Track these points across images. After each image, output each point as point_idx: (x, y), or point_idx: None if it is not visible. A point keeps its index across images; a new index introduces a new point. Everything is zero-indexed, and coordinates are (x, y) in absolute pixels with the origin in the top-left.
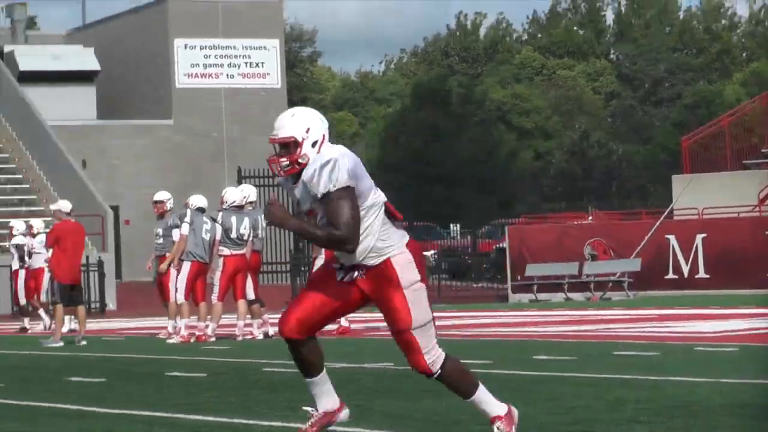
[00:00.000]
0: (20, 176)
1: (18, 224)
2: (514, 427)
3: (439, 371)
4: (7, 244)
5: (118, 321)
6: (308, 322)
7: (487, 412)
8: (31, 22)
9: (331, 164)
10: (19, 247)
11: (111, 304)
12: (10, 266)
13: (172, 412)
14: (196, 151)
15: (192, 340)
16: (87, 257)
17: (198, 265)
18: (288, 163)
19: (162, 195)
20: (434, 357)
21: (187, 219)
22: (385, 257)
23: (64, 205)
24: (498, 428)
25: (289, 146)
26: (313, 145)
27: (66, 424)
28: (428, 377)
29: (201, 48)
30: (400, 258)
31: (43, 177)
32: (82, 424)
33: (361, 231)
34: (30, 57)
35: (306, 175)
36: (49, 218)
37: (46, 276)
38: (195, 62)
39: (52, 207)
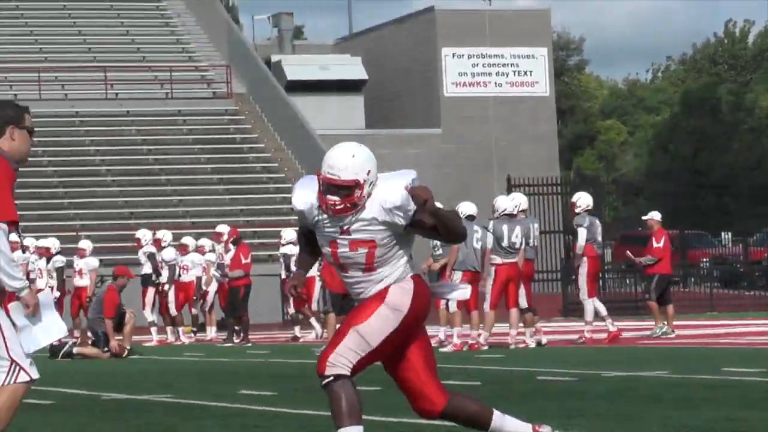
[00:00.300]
0: (289, 185)
1: (287, 233)
2: None
3: (330, 378)
4: (277, 252)
5: None
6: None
7: None
8: (298, 32)
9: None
10: (286, 257)
11: None
12: (280, 274)
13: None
14: (464, 159)
15: (465, 349)
16: None
17: (470, 274)
18: (343, 205)
19: None
20: (336, 363)
21: None
22: (389, 282)
23: None
24: None
25: (350, 188)
26: (370, 185)
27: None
28: (318, 375)
29: (469, 57)
30: (402, 284)
31: None
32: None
33: (393, 259)
34: (298, 67)
35: (375, 212)
36: None
37: (317, 285)
38: (463, 71)
39: None
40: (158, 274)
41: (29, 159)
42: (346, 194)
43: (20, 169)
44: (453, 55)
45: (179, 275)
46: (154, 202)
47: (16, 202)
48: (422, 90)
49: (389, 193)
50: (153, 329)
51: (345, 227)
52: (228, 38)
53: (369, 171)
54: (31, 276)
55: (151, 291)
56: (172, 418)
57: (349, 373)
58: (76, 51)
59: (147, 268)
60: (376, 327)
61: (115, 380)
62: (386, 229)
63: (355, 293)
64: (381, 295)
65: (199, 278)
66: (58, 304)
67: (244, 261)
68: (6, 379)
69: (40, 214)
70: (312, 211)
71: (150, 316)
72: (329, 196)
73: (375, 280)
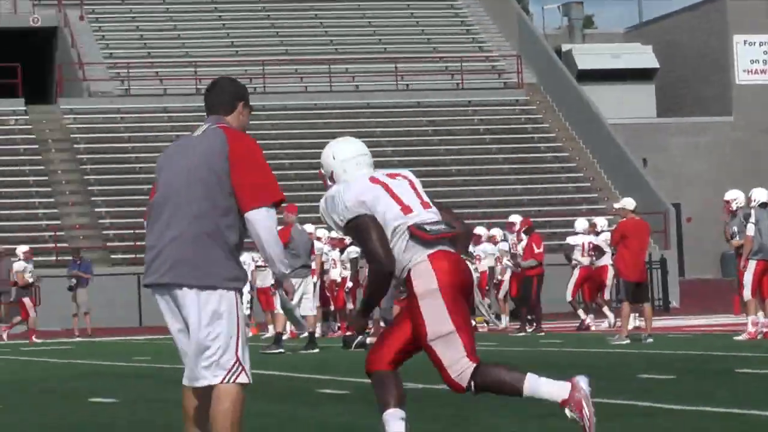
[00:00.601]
0: (581, 175)
1: (579, 224)
2: (584, 399)
3: (472, 384)
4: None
5: (681, 318)
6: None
7: (551, 399)
8: (588, 21)
9: (332, 198)
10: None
11: (674, 302)
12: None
13: (746, 409)
14: (756, 147)
15: (759, 337)
16: (650, 255)
17: (763, 263)
18: None
19: (731, 194)
20: (460, 371)
21: (752, 219)
22: (406, 271)
23: (629, 202)
24: (568, 413)
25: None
26: (330, 179)
27: (633, 420)
28: (462, 392)
29: (760, 44)
30: (417, 268)
31: (603, 175)
32: (651, 421)
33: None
34: (588, 56)
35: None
36: (612, 216)
37: (610, 273)
38: (755, 58)
39: (616, 205)
40: None
41: (320, 150)
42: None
43: (309, 161)
44: (744, 43)
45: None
46: (445, 192)
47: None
48: (713, 78)
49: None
50: None
51: None
52: (518, 28)
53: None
54: (325, 267)
55: None
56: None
57: (472, 364)
58: (367, 43)
59: None
60: (437, 318)
61: (408, 369)
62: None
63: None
64: (409, 290)
65: (491, 268)
66: (351, 294)
67: (536, 250)
68: (226, 377)
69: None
70: None
71: None
72: None
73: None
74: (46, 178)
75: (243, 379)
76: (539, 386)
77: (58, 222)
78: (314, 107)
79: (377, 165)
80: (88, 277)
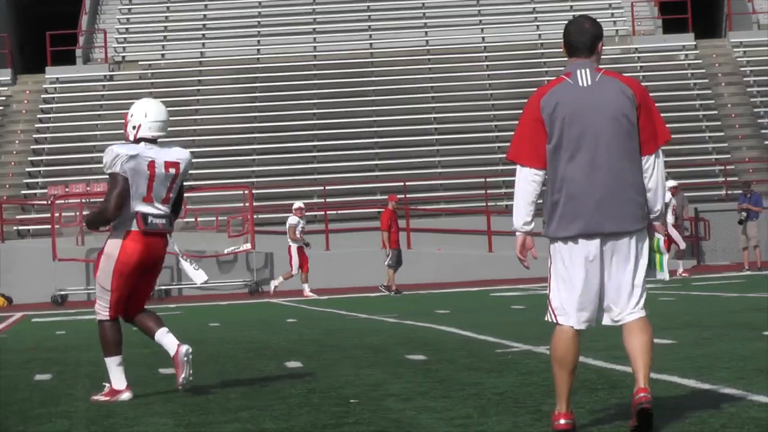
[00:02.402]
0: None
1: None
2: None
3: (98, 322)
4: None
5: None
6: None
7: (167, 349)
8: None
9: (118, 147)
10: None
11: None
12: None
13: None
14: None
15: None
16: None
17: None
18: None
19: None
20: (97, 312)
21: None
22: (117, 231)
23: None
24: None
25: None
26: (133, 128)
27: None
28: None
29: None
30: (118, 234)
31: None
32: None
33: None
34: None
35: None
36: None
37: None
38: None
39: None
40: None
41: None
42: None
43: None
44: None
45: None
46: None
47: None
48: None
49: None
50: None
51: None
52: None
53: (132, 114)
54: None
55: None
56: None
57: (108, 317)
58: None
59: None
60: (105, 273)
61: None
62: None
63: None
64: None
65: None
66: None
67: None
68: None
69: None
70: None
71: None
72: None
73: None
74: (716, 112)
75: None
76: (162, 337)
77: (728, 156)
78: None
79: None
80: (758, 210)
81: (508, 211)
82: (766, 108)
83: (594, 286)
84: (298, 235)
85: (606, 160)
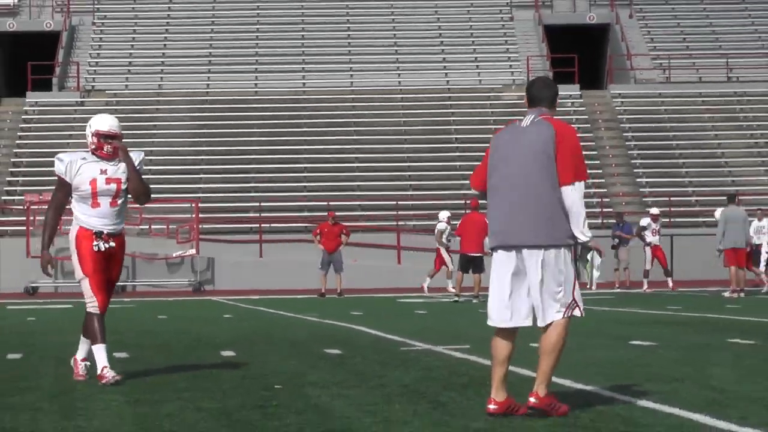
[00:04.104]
0: None
1: None
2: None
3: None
4: None
5: None
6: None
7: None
8: None
9: (73, 154)
10: None
11: None
12: None
13: None
14: None
15: None
16: None
17: None
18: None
19: None
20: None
21: None
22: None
23: None
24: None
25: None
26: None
27: None
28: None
29: None
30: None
31: None
32: None
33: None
34: None
35: None
36: None
37: None
38: None
39: None
40: None
41: None
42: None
43: None
44: None
45: None
46: None
47: None
48: None
49: None
50: None
51: None
52: None
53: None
54: None
55: None
56: None
57: (98, 310)
58: None
59: None
60: (76, 268)
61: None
62: None
63: None
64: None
65: None
66: None
67: None
68: (565, 312)
69: None
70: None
71: None
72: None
73: None
74: (596, 152)
75: (577, 313)
76: (99, 350)
77: (605, 190)
78: None
79: None
80: (629, 237)
81: (415, 230)
82: (638, 150)
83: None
84: (444, 239)
85: (523, 185)
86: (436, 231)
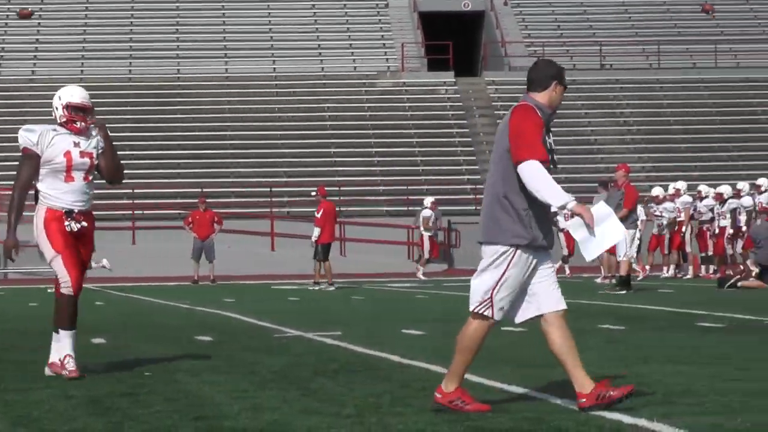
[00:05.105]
0: None
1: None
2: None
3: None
4: None
5: None
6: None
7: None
8: None
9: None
10: None
11: None
12: None
13: None
14: None
15: None
16: None
17: None
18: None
19: None
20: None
21: None
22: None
23: None
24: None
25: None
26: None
27: None
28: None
29: None
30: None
31: None
32: None
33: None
34: None
35: None
36: None
37: None
38: None
39: None
40: None
41: (704, 117)
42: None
43: (697, 126)
44: None
45: None
46: None
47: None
48: None
49: None
50: None
51: None
52: None
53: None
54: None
55: None
56: None
57: (71, 291)
58: (748, 25)
59: None
60: (45, 247)
61: None
62: None
63: None
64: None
65: None
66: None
67: None
68: (477, 308)
69: (711, 165)
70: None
71: None
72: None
73: None
74: (470, 139)
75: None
76: (65, 337)
77: (478, 177)
78: (700, 81)
79: (757, 130)
80: None
81: (289, 216)
82: None
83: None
84: (431, 225)
85: (490, 176)
86: (421, 218)
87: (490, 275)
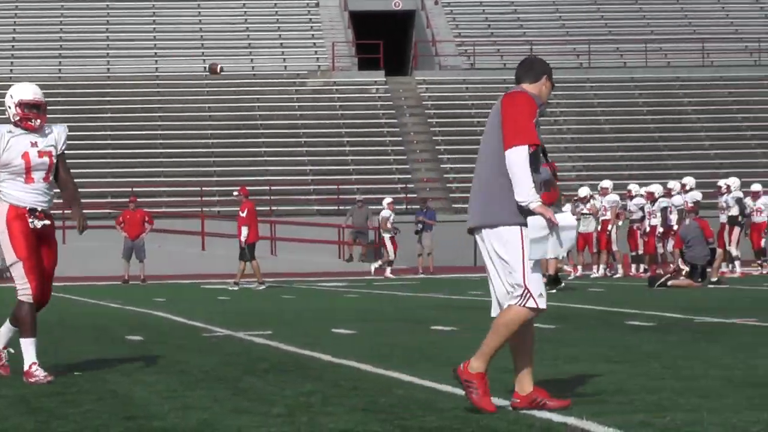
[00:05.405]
0: None
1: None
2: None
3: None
4: None
5: None
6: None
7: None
8: None
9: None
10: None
11: None
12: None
13: None
14: None
15: None
16: None
17: None
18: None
19: None
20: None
21: None
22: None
23: None
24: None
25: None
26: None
27: None
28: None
29: None
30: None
31: None
32: None
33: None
34: None
35: None
36: None
37: None
38: None
39: None
40: (744, 216)
41: (634, 117)
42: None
43: (628, 126)
44: None
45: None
46: (740, 153)
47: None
48: None
49: None
50: (737, 263)
51: None
52: None
53: None
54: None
55: (736, 230)
56: (757, 338)
57: (30, 299)
58: (678, 25)
59: (734, 211)
60: (7, 252)
61: (707, 305)
62: None
63: None
64: None
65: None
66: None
67: None
68: (518, 302)
69: (641, 164)
70: None
71: (735, 251)
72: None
73: None
74: (400, 138)
75: (531, 304)
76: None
77: (409, 176)
78: (630, 80)
79: (684, 130)
80: (432, 223)
81: (220, 216)
82: (443, 137)
83: None
84: (389, 225)
85: (481, 161)
86: (380, 219)
87: (508, 265)
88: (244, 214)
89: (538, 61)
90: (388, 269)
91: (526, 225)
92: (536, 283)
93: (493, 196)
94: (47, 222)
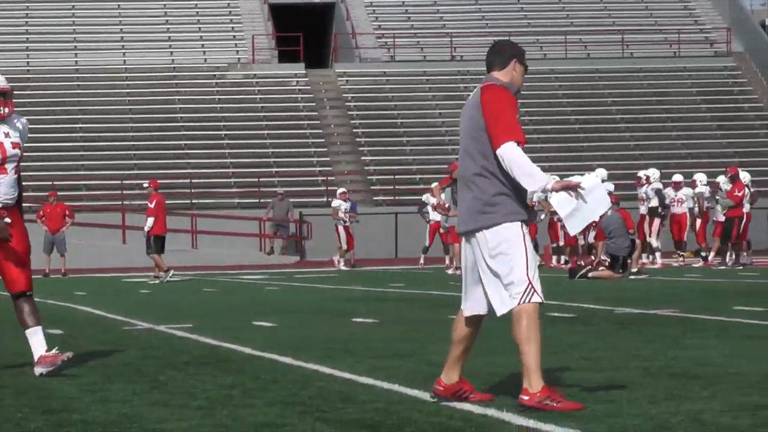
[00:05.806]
0: None
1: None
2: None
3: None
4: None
5: None
6: None
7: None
8: None
9: None
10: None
11: None
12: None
13: None
14: None
15: None
16: None
17: None
18: None
19: None
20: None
21: None
22: None
23: None
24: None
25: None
26: None
27: None
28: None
29: None
30: None
31: None
32: None
33: None
34: None
35: None
36: None
37: None
38: None
39: None
40: (664, 207)
41: (555, 109)
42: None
43: (548, 117)
44: None
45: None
46: (660, 144)
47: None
48: None
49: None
50: (658, 254)
51: None
52: (729, 4)
53: None
54: None
55: (656, 221)
56: (677, 329)
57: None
58: (598, 17)
59: (654, 202)
60: None
61: (628, 296)
62: None
63: None
64: None
65: (691, 209)
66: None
67: (737, 194)
68: (522, 299)
69: (562, 156)
70: None
71: (655, 242)
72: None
73: None
74: (321, 131)
75: (536, 299)
76: (32, 335)
77: (330, 168)
78: (551, 72)
79: (603, 122)
80: (353, 216)
81: (141, 209)
82: (363, 129)
83: None
84: (340, 215)
85: (465, 159)
86: (332, 209)
87: (511, 261)
88: (152, 206)
89: (507, 44)
90: (338, 259)
91: (526, 221)
92: (537, 278)
93: (486, 198)
94: (8, 220)
